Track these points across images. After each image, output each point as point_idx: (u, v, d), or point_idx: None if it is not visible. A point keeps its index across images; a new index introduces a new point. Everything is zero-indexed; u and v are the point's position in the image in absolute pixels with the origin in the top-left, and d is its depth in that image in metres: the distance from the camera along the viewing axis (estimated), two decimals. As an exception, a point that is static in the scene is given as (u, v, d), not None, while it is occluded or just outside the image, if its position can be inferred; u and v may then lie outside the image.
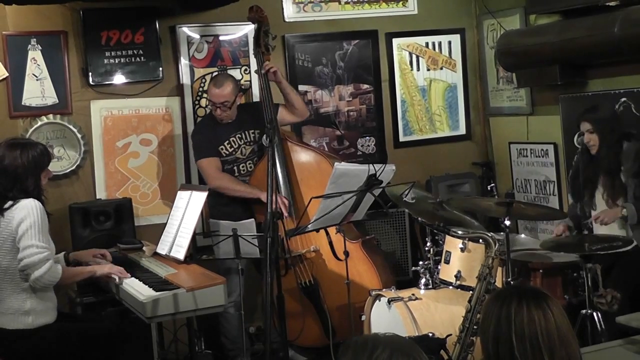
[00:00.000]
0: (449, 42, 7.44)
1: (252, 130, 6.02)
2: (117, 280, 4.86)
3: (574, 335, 2.57)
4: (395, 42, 7.23)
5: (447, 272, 5.14)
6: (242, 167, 6.04)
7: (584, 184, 5.49)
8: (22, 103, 6.09)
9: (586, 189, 5.50)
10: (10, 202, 4.55)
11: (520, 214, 5.79)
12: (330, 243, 5.84)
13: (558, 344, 2.50)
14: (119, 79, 6.32)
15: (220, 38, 6.62)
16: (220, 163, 5.97)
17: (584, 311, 4.75)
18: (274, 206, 4.75)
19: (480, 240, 4.84)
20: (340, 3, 7.03)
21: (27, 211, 4.51)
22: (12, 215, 4.53)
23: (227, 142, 5.98)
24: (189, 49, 6.53)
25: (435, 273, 5.26)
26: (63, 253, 5.17)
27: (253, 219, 5.59)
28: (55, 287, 4.70)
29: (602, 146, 5.38)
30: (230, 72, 6.59)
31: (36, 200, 4.56)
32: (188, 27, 6.51)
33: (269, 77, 5.94)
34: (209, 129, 6.04)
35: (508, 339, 2.52)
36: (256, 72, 6.05)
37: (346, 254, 5.54)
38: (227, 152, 5.98)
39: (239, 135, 6.01)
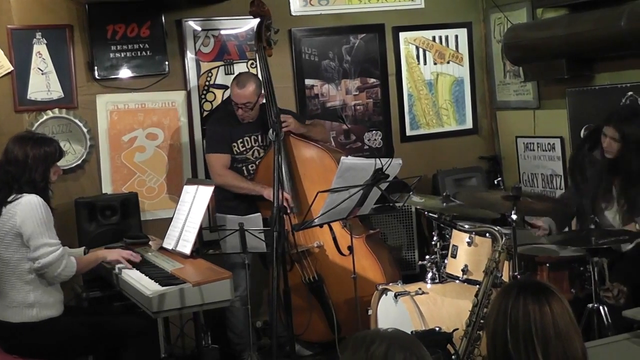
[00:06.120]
0: (456, 36, 7.42)
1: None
2: (126, 264, 4.95)
3: (577, 331, 2.52)
4: (402, 36, 7.21)
5: (454, 266, 5.13)
6: (252, 167, 6.02)
7: (601, 182, 5.35)
8: (28, 97, 6.09)
9: (601, 187, 5.36)
10: (13, 195, 4.56)
11: (527, 209, 5.75)
12: (334, 238, 5.84)
13: (553, 338, 2.46)
14: (124, 73, 6.31)
15: (227, 32, 6.61)
16: (230, 160, 5.96)
17: (590, 305, 4.72)
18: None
19: (487, 235, 4.83)
20: (346, -4, 7.03)
21: (29, 208, 4.51)
22: (15, 210, 4.53)
23: (240, 140, 5.97)
24: (195, 43, 6.51)
25: (442, 267, 5.25)
26: (83, 248, 5.21)
27: (259, 214, 5.58)
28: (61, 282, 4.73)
29: (622, 155, 5.12)
30: (237, 66, 6.59)
31: (38, 197, 4.57)
32: (194, 20, 6.50)
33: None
34: (225, 122, 6.02)
35: (503, 332, 2.51)
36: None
37: (350, 248, 5.53)
38: (238, 151, 5.97)
39: (254, 137, 6.00)
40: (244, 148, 5.99)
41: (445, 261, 5.24)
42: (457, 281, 5.10)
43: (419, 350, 2.22)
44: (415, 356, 2.20)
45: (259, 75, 6.04)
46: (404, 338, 2.25)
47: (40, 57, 6.11)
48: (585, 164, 5.43)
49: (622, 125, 5.10)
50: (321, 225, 5.47)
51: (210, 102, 6.53)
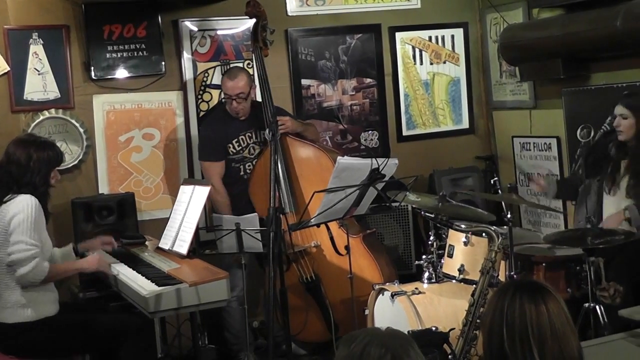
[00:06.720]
0: (452, 36, 7.43)
1: (264, 131, 5.97)
2: (113, 273, 4.92)
3: (573, 330, 2.53)
4: (399, 36, 7.22)
5: (450, 266, 5.13)
6: (249, 165, 6.02)
7: (611, 165, 5.37)
8: (24, 97, 6.08)
9: (608, 170, 5.38)
10: (9, 196, 4.56)
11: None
12: (332, 238, 5.84)
13: (549, 338, 2.47)
14: (121, 73, 6.31)
15: (223, 32, 6.61)
16: (224, 167, 5.97)
17: (586, 304, 4.73)
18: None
19: (484, 234, 4.83)
20: (343, -4, 7.04)
21: (21, 206, 4.52)
22: (8, 209, 4.54)
23: (236, 140, 5.97)
24: (191, 43, 6.52)
25: (439, 267, 5.25)
26: (71, 244, 5.19)
27: (256, 213, 5.58)
28: (56, 282, 4.72)
29: (636, 136, 5.20)
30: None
31: (33, 197, 4.56)
32: (190, 21, 6.50)
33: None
34: (219, 124, 6.02)
35: (499, 331, 2.51)
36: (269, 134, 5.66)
37: (347, 248, 5.53)
38: (235, 151, 5.97)
39: (249, 134, 6.00)
40: (240, 147, 5.99)
41: (442, 261, 5.24)
42: (454, 281, 5.09)
43: (400, 348, 2.23)
44: (391, 354, 2.21)
45: (256, 76, 6.04)
46: (386, 336, 2.27)
47: (36, 57, 6.10)
48: (599, 150, 5.43)
49: (629, 101, 5.21)
50: (318, 225, 5.46)
51: (207, 102, 6.53)
